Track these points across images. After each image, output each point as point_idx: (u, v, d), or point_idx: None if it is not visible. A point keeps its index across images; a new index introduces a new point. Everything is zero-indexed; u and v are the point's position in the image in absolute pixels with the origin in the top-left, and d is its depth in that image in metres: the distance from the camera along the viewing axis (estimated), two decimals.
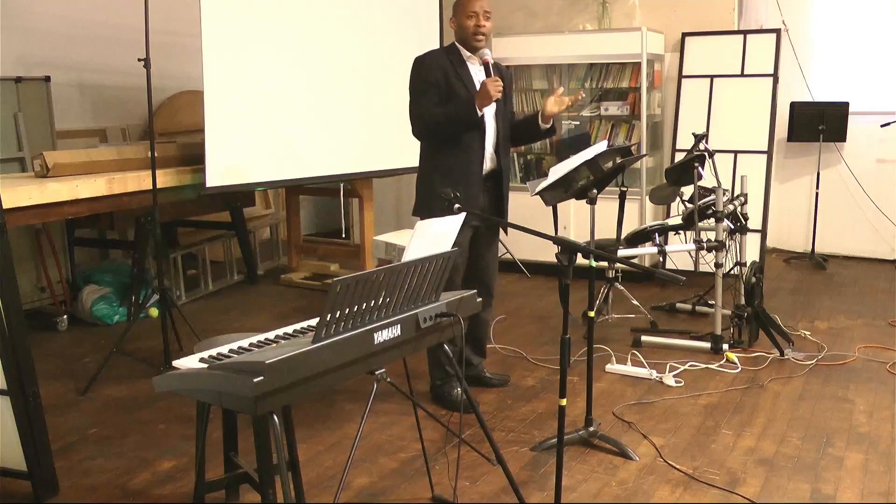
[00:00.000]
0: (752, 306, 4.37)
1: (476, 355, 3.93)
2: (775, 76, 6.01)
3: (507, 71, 3.85)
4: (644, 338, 4.56)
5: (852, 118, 6.44)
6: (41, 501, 2.86)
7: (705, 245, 4.36)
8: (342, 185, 5.65)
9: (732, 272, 4.61)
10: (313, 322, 2.43)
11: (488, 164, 3.66)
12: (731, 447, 3.26)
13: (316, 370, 2.09)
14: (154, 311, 5.13)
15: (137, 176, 4.44)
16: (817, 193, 6.62)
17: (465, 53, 3.61)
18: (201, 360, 2.23)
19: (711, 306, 4.81)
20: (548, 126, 3.68)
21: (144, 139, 5.77)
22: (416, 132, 3.62)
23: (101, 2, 5.81)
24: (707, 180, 4.49)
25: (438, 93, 3.52)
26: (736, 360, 4.20)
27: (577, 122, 6.38)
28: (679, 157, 5.89)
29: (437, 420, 3.16)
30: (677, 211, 5.22)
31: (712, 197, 4.45)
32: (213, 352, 2.29)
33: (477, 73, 3.61)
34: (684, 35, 6.32)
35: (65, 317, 5.04)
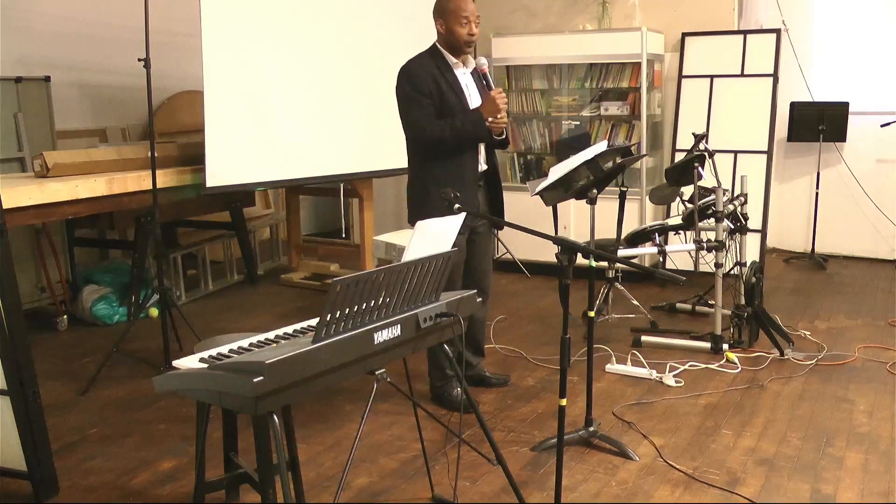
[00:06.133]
0: (752, 306, 4.37)
1: (475, 356, 3.92)
2: (775, 76, 6.01)
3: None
4: (644, 338, 4.56)
5: (852, 118, 6.44)
6: (41, 501, 2.86)
7: (705, 245, 4.36)
8: (342, 185, 5.65)
9: (732, 272, 4.61)
10: (313, 322, 2.43)
11: (482, 165, 3.63)
12: (731, 447, 3.26)
13: (316, 370, 2.08)
14: (154, 311, 5.13)
15: (137, 176, 4.44)
16: (817, 193, 6.62)
17: (451, 59, 3.52)
18: (201, 360, 2.23)
19: (711, 306, 4.81)
20: (501, 138, 3.59)
21: (144, 139, 5.77)
22: (413, 143, 3.53)
23: (101, 2, 5.81)
24: (707, 180, 4.49)
25: (430, 101, 3.43)
26: (736, 360, 4.20)
27: (577, 122, 6.39)
28: (679, 157, 5.89)
29: (437, 420, 3.16)
30: (677, 211, 5.22)
31: (712, 197, 4.45)
32: (213, 352, 2.29)
33: (463, 77, 3.55)
34: (684, 35, 6.32)
35: (65, 317, 5.04)
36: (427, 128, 3.41)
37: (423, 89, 3.42)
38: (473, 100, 3.56)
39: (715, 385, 3.94)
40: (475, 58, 3.60)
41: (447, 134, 3.40)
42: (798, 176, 6.88)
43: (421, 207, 3.51)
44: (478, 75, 3.62)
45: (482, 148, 3.62)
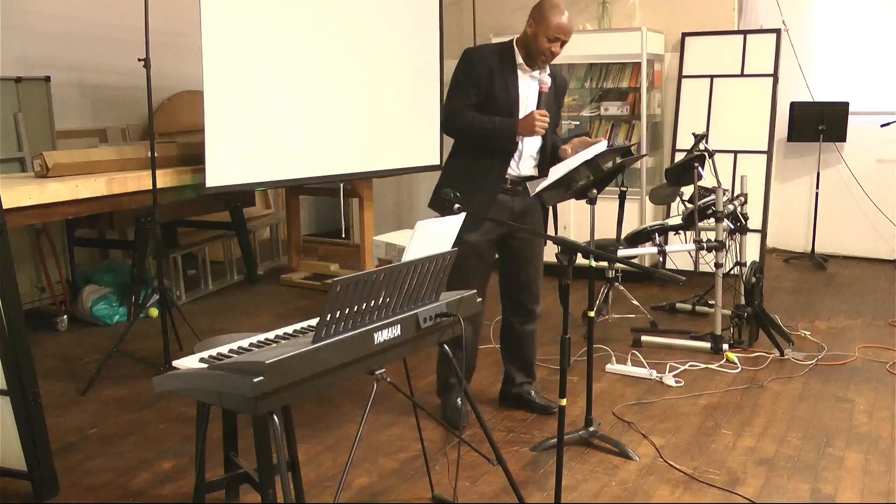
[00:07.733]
0: (752, 306, 4.37)
1: (521, 373, 3.68)
2: (775, 76, 6.01)
3: (563, 79, 3.67)
4: (644, 338, 4.56)
5: (852, 118, 6.44)
6: (41, 501, 2.86)
7: (705, 245, 4.36)
8: (342, 185, 5.65)
9: (732, 272, 4.61)
10: (313, 322, 2.43)
11: (528, 171, 3.49)
12: (731, 447, 3.26)
13: (316, 370, 2.08)
14: (154, 311, 5.13)
15: (137, 176, 4.44)
16: (817, 193, 6.62)
17: (520, 59, 3.39)
18: (201, 360, 2.23)
19: (711, 306, 4.81)
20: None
21: (144, 139, 5.77)
22: (444, 127, 3.48)
23: (101, 2, 5.81)
24: (707, 180, 4.49)
25: (477, 91, 3.35)
26: (736, 360, 4.20)
27: (577, 122, 6.38)
28: (679, 157, 5.89)
29: (437, 420, 3.16)
30: (677, 211, 5.22)
31: (712, 197, 4.45)
32: (213, 352, 2.29)
33: (522, 81, 3.41)
34: (684, 35, 6.32)
35: (65, 317, 5.04)
36: (460, 115, 3.35)
37: (472, 76, 3.35)
38: (530, 106, 3.43)
39: (715, 385, 3.94)
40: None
41: (474, 129, 3.33)
42: (798, 176, 6.88)
43: (439, 196, 3.35)
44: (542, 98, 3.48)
45: (527, 154, 3.47)
